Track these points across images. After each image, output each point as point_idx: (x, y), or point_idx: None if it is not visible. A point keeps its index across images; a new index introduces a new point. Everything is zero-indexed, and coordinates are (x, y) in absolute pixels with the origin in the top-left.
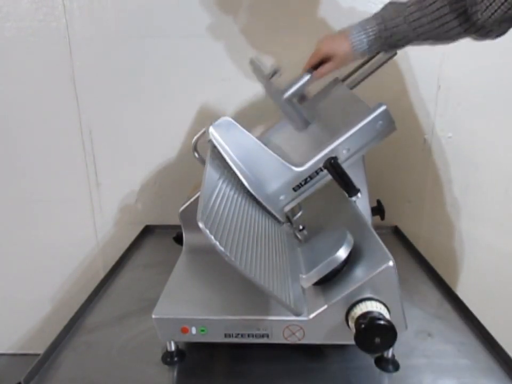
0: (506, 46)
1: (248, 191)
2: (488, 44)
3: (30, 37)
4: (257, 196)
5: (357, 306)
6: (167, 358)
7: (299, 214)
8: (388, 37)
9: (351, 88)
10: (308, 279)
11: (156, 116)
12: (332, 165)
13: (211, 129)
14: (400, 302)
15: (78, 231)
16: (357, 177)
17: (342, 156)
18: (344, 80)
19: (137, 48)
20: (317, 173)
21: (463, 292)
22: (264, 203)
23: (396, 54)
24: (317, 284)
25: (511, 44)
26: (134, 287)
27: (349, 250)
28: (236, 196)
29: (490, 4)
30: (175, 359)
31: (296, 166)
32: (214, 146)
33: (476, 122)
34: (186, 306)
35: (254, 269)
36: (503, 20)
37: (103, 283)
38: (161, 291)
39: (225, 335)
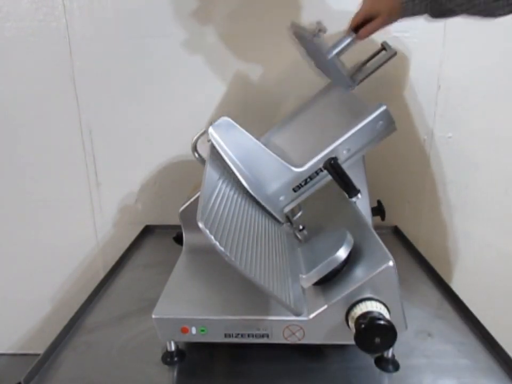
0: (506, 46)
1: (248, 191)
2: (488, 44)
3: (30, 37)
4: (257, 197)
5: (357, 306)
6: (167, 358)
7: (299, 214)
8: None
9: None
10: (307, 279)
11: (156, 116)
12: (332, 165)
13: (210, 130)
14: (400, 302)
15: (78, 231)
16: (357, 177)
17: (342, 156)
18: None
19: (137, 48)
20: (317, 173)
21: (463, 291)
22: (264, 204)
23: (395, 54)
24: (317, 284)
25: (511, 44)
26: (134, 287)
27: (349, 250)
28: (235, 196)
29: None
30: (175, 359)
31: (296, 166)
32: (214, 147)
33: (476, 122)
34: (186, 306)
35: (254, 269)
36: None
37: (103, 283)
38: (161, 291)
39: (225, 335)
